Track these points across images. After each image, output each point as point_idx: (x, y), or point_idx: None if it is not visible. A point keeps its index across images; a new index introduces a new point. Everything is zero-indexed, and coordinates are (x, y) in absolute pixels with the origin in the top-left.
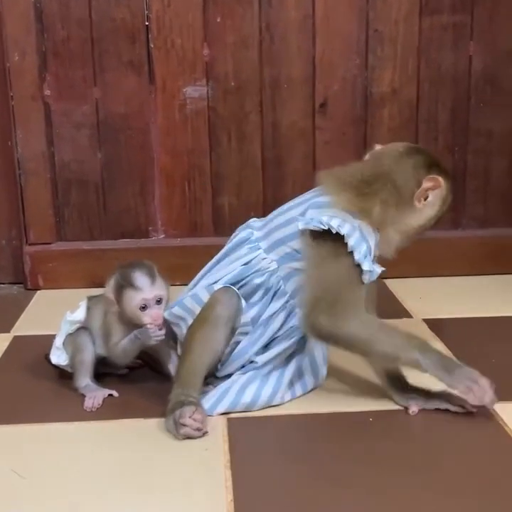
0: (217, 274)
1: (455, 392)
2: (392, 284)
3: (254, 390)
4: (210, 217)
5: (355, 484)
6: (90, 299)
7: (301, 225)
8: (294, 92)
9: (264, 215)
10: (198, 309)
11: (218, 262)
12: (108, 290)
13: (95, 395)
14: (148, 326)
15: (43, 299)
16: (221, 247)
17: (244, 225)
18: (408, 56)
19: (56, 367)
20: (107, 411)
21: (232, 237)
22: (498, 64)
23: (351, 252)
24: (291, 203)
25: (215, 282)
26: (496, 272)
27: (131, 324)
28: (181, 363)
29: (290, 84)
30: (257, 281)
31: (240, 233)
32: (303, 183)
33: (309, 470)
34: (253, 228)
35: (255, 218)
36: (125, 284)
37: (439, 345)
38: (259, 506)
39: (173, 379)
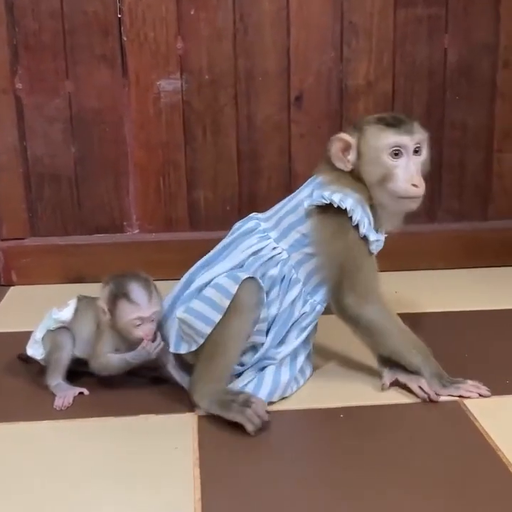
0: (226, 264)
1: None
2: None
3: (271, 381)
4: (186, 211)
5: (323, 481)
6: (80, 299)
7: (306, 204)
8: (268, 85)
9: (239, 209)
10: (225, 301)
11: (221, 253)
12: (101, 300)
13: (66, 394)
14: (142, 344)
15: (16, 295)
16: (197, 241)
17: (245, 219)
18: (383, 49)
19: (28, 362)
20: (77, 409)
21: (233, 229)
22: (473, 56)
23: (356, 226)
24: (297, 191)
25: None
26: (472, 266)
27: (122, 334)
28: (214, 357)
29: (265, 77)
30: (273, 272)
31: (246, 224)
32: (278, 176)
33: (277, 468)
34: (259, 219)
35: (256, 213)
36: (120, 296)
37: None
38: (227, 504)
39: (199, 372)
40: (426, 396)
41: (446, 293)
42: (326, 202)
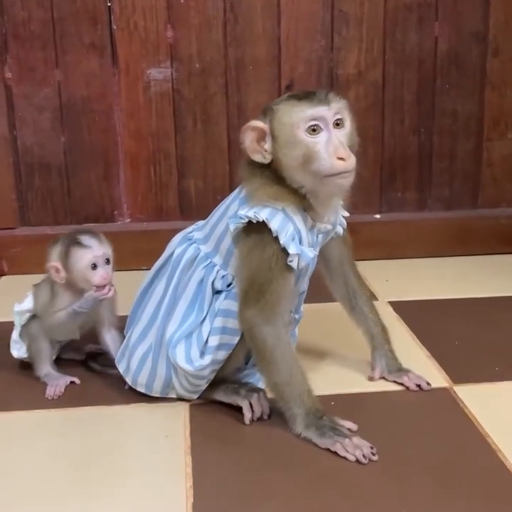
0: (187, 313)
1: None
2: (359, 266)
3: None
4: (176, 200)
5: (313, 469)
6: (35, 285)
7: (231, 228)
8: (259, 74)
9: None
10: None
11: (172, 291)
12: (52, 258)
13: (57, 383)
14: (95, 290)
15: (7, 285)
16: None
17: (183, 239)
18: (373, 37)
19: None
20: (69, 398)
21: (172, 246)
22: (463, 45)
23: (276, 238)
24: (223, 207)
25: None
26: (461, 254)
27: (78, 292)
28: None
29: (255, 65)
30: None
31: (187, 252)
32: None
33: (270, 457)
34: (197, 242)
35: (194, 228)
36: (72, 245)
37: (403, 328)
38: (218, 492)
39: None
40: (415, 387)
41: (436, 281)
42: (244, 221)
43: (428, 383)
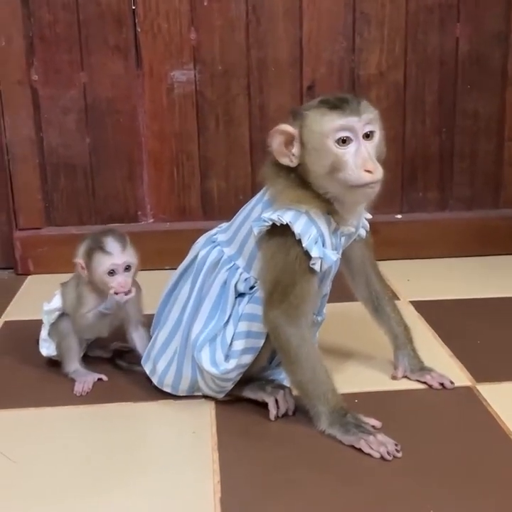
0: (212, 315)
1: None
2: (380, 266)
3: None
4: (199, 201)
5: (339, 466)
6: (63, 284)
7: (255, 231)
8: (281, 75)
9: (252, 198)
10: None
11: (196, 293)
12: (78, 255)
13: (85, 380)
14: (114, 294)
15: (33, 284)
16: (209, 230)
17: (206, 241)
18: (395, 38)
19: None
20: (97, 395)
21: (196, 249)
22: (484, 45)
23: (299, 241)
24: (246, 209)
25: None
26: (483, 254)
27: (102, 293)
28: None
29: (277, 66)
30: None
31: (210, 255)
32: None
33: (296, 453)
34: (221, 244)
35: (217, 230)
36: (96, 248)
37: (425, 327)
38: (246, 488)
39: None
40: (439, 385)
41: (458, 281)
42: (267, 224)
43: (451, 382)
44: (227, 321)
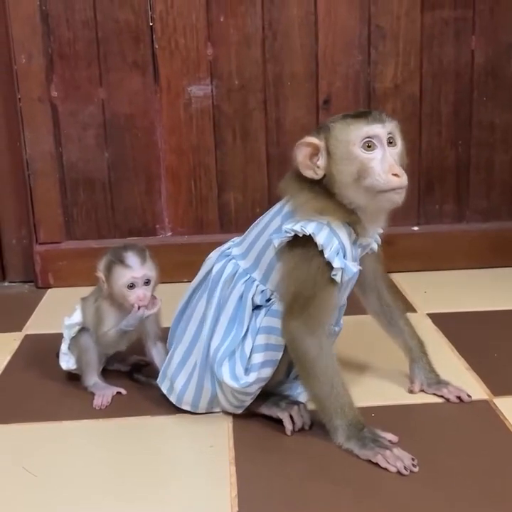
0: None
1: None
2: (397, 278)
3: None
4: (217, 214)
5: (356, 480)
6: (83, 299)
7: (276, 243)
8: (297, 89)
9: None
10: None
11: (214, 310)
12: (99, 269)
13: (104, 393)
14: (134, 309)
15: (53, 297)
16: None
17: (221, 255)
18: (410, 51)
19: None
20: (116, 409)
21: (211, 263)
22: (500, 57)
23: (322, 251)
24: (263, 222)
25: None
26: (500, 265)
27: (121, 308)
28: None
29: (293, 81)
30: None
31: (226, 268)
32: None
33: (312, 467)
34: (236, 258)
35: (230, 244)
36: (116, 261)
37: (442, 340)
38: (263, 502)
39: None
40: (456, 399)
41: (476, 293)
42: (289, 235)
43: (468, 395)
44: (245, 335)
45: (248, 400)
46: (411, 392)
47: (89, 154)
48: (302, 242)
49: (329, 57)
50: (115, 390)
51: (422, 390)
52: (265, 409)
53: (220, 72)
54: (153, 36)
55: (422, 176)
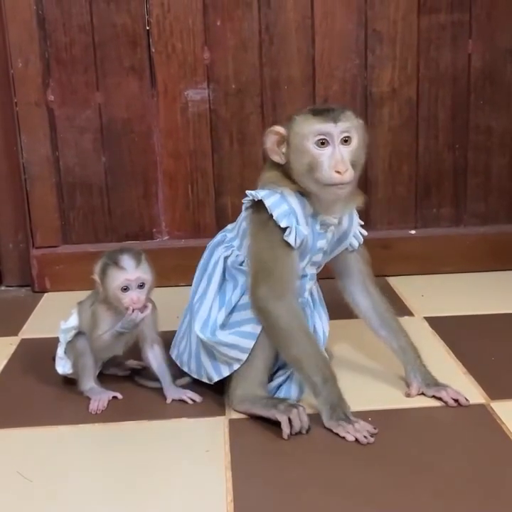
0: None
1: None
2: (394, 281)
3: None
4: (214, 218)
5: (354, 486)
6: (79, 303)
7: (243, 208)
8: (294, 93)
9: None
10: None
11: (201, 271)
12: (95, 271)
13: (100, 398)
14: (128, 312)
15: (50, 302)
16: None
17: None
18: (407, 55)
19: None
20: (112, 413)
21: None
22: (496, 61)
23: (272, 215)
24: None
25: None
26: (498, 269)
27: (117, 311)
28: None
29: (290, 85)
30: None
31: (216, 237)
32: None
33: (309, 471)
34: (226, 231)
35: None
36: (110, 264)
37: (439, 344)
38: (258, 507)
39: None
40: (454, 402)
41: (473, 296)
42: (249, 198)
43: (466, 399)
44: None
45: (225, 368)
46: (408, 395)
47: (86, 158)
48: (259, 209)
49: (326, 61)
50: (111, 394)
51: (422, 393)
52: (263, 411)
53: (217, 76)
54: (150, 40)
55: (420, 180)
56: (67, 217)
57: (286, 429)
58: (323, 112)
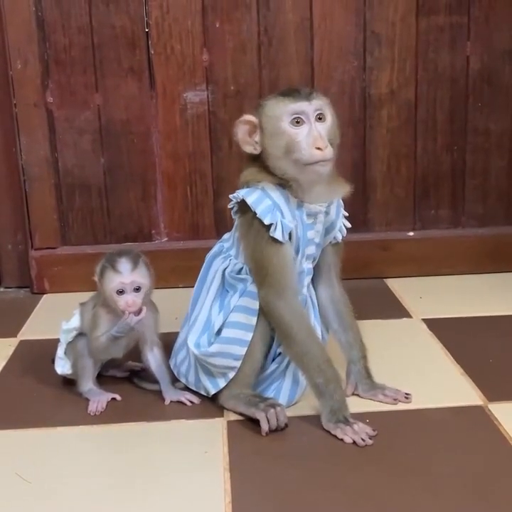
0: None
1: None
2: (392, 283)
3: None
4: (212, 219)
5: (351, 487)
6: (82, 304)
7: (232, 213)
8: None
9: None
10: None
11: (201, 280)
12: (95, 273)
13: (99, 399)
14: (124, 315)
15: (49, 303)
16: None
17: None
18: (406, 57)
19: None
20: (111, 414)
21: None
22: (495, 63)
23: (256, 213)
24: None
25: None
26: (496, 271)
27: (116, 314)
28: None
29: (289, 86)
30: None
31: (214, 249)
32: None
33: (307, 473)
34: (223, 241)
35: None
36: (107, 266)
37: (437, 345)
38: (257, 508)
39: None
40: (394, 401)
41: (471, 298)
42: (233, 202)
43: (406, 395)
44: (219, 310)
45: (221, 378)
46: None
47: (85, 160)
48: (244, 210)
49: (325, 63)
50: (110, 395)
51: (356, 395)
52: (244, 408)
53: (216, 78)
54: (149, 42)
55: (418, 182)
56: (66, 219)
57: (264, 427)
58: (293, 92)
